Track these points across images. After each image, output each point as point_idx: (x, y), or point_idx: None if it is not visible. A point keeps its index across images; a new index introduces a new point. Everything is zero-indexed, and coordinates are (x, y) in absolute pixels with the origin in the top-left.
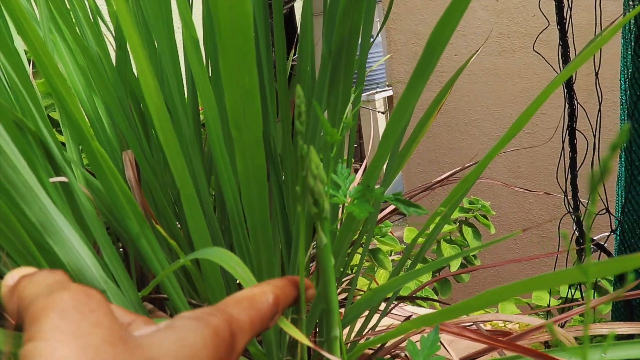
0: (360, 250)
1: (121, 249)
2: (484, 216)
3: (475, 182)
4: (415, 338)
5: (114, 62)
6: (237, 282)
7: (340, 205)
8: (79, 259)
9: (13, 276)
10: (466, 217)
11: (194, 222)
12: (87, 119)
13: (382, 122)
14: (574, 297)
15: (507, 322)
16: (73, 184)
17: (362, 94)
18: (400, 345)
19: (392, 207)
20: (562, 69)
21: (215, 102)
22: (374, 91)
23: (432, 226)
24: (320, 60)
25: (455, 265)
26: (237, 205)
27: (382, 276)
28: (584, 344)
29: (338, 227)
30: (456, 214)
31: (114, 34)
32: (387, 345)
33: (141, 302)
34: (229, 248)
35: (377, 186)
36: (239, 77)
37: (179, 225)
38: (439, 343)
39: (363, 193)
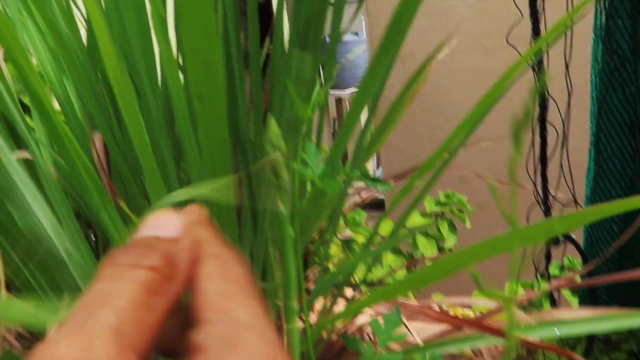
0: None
1: (94, 239)
2: (460, 210)
3: (445, 165)
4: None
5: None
6: None
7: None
8: (39, 226)
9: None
10: (442, 211)
11: (157, 197)
12: (54, 97)
13: (365, 119)
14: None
15: (477, 312)
16: (38, 160)
17: (346, 90)
18: (367, 331)
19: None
20: (534, 61)
21: (180, 79)
22: (357, 89)
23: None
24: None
25: (428, 252)
26: (201, 178)
27: None
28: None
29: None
30: (432, 207)
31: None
32: (351, 332)
33: None
34: None
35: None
36: (201, 45)
37: None
38: (401, 321)
39: (331, 170)
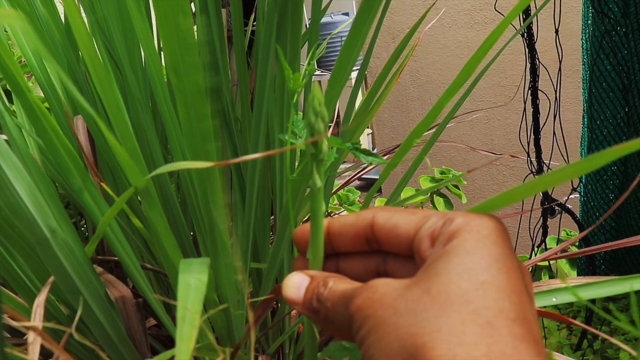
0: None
1: (84, 226)
2: (456, 186)
3: (436, 137)
4: None
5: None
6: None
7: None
8: (19, 203)
9: None
10: (437, 188)
11: (134, 177)
12: (37, 84)
13: (358, 98)
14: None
15: None
16: (16, 141)
17: None
18: None
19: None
20: (524, 30)
21: (157, 51)
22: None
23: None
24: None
25: None
26: (184, 157)
27: None
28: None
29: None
30: (427, 184)
31: None
32: None
33: (90, 262)
34: (182, 207)
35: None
36: (174, 17)
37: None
38: None
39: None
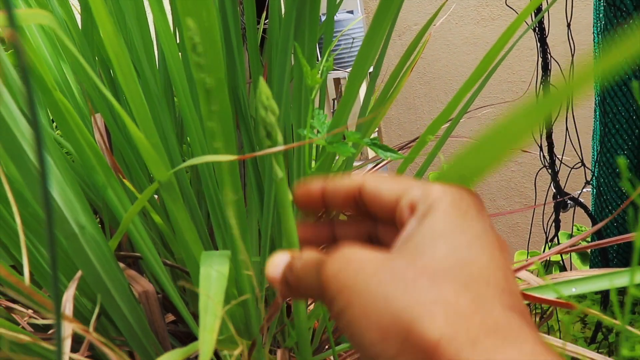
0: None
1: (100, 224)
2: None
3: (448, 134)
4: None
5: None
6: (210, 229)
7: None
8: (49, 198)
9: None
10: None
11: (158, 172)
12: (53, 81)
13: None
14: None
15: None
16: (45, 137)
17: (347, 71)
18: None
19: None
20: (535, 25)
21: (177, 49)
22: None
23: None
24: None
25: None
26: (204, 152)
27: None
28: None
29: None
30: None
31: None
32: None
33: (115, 258)
34: (198, 202)
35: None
36: (197, 11)
37: (156, 196)
38: None
39: (339, 136)
